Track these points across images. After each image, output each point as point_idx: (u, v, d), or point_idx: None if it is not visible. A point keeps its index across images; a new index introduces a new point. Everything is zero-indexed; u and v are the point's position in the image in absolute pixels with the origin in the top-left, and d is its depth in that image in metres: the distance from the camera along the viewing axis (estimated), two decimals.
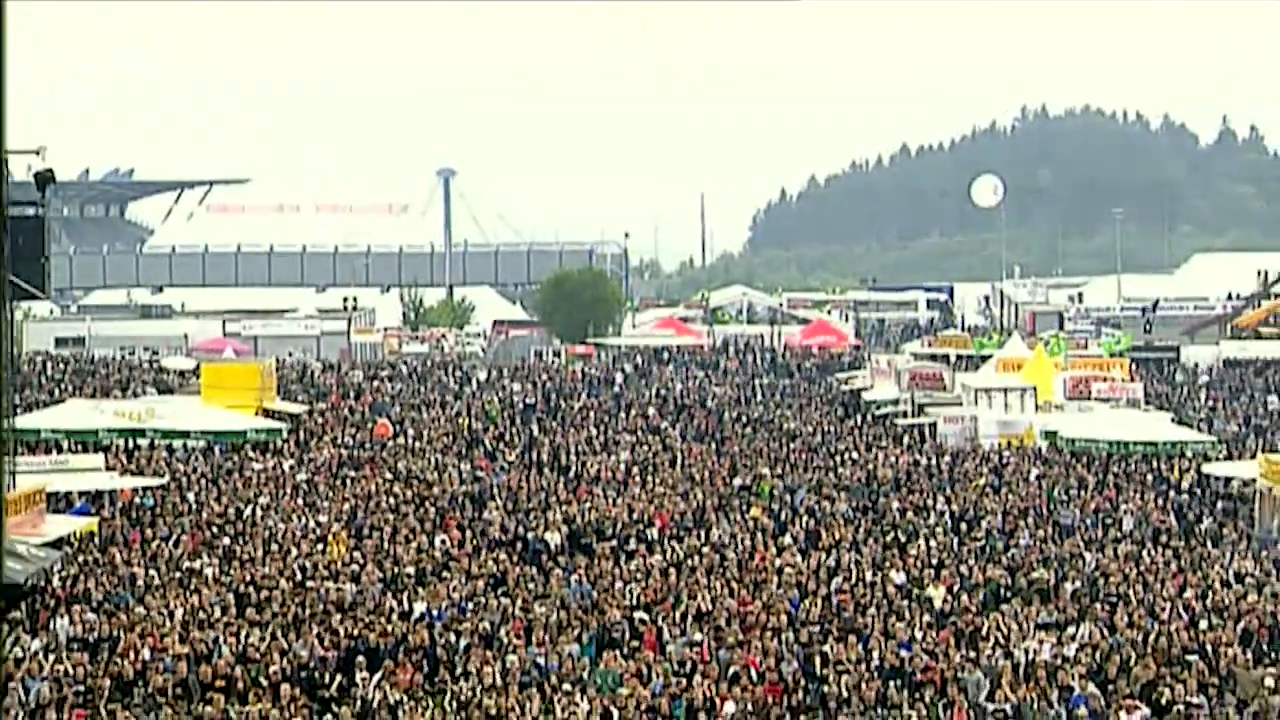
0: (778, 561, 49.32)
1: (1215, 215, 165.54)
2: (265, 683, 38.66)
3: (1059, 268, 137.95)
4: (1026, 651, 40.54)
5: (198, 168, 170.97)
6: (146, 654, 40.47)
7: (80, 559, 50.27)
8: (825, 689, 38.28)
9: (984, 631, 42.28)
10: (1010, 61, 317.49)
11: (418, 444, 71.99)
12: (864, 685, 38.32)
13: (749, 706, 37.10)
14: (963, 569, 48.38)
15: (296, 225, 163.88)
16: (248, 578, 47.79)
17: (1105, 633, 41.90)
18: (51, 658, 40.69)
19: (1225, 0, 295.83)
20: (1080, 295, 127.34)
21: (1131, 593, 45.65)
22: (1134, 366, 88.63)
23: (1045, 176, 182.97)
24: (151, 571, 48.78)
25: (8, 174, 60.25)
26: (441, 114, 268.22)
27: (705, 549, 50.92)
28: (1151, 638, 41.34)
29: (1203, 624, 42.45)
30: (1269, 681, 38.39)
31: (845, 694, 37.83)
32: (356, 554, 50.82)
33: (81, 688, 38.43)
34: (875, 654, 40.40)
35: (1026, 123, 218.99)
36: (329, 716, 36.51)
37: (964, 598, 45.82)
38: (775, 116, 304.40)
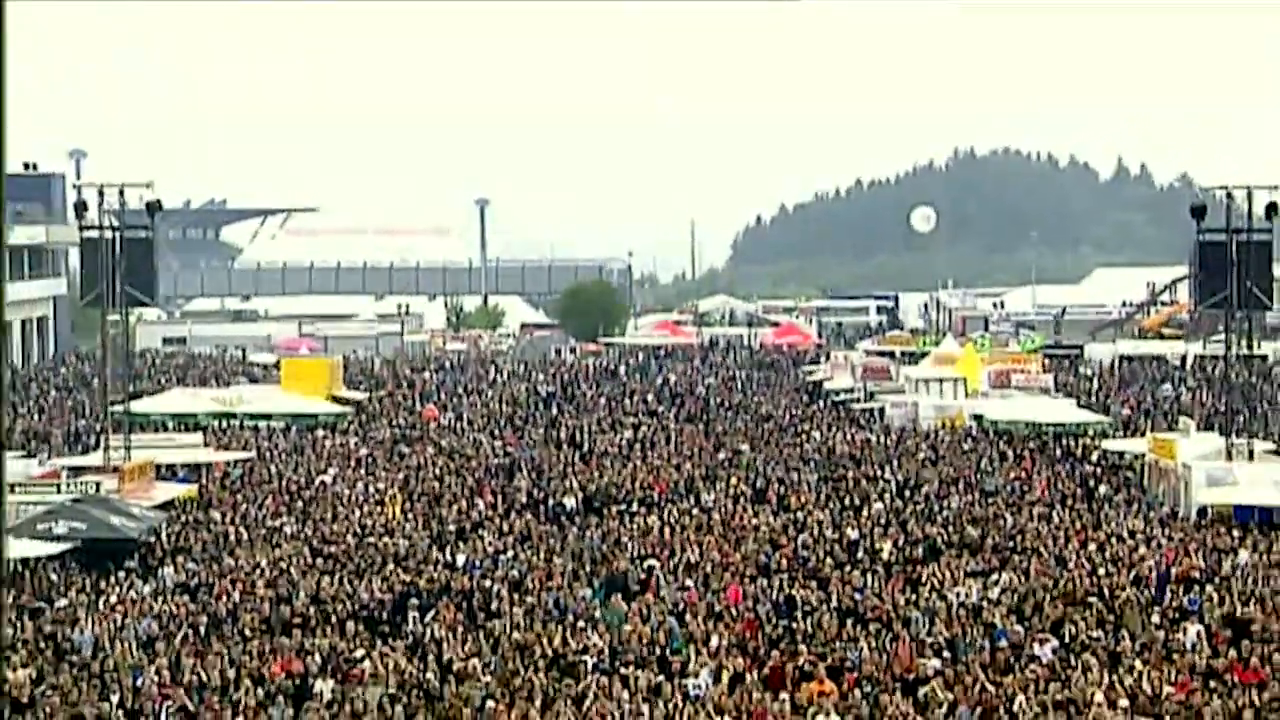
0: (754, 521, 49.41)
1: (1112, 237, 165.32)
2: (334, 620, 38.74)
3: (984, 280, 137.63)
4: (958, 595, 40.58)
5: (277, 197, 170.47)
6: (236, 597, 40.58)
7: (183, 519, 50.37)
8: (793, 625, 38.28)
9: (923, 578, 42.32)
10: (944, 109, 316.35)
11: (458, 424, 72.01)
12: (825, 622, 38.34)
13: (731, 639, 37.09)
14: (906, 527, 48.41)
15: (358, 245, 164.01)
16: (319, 534, 47.97)
17: (1022, 579, 41.90)
18: (159, 600, 40.76)
19: (1120, 61, 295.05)
20: (1002, 303, 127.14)
21: (1043, 546, 45.65)
22: (1045, 361, 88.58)
23: (973, 205, 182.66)
24: (241, 529, 48.91)
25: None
26: (477, 150, 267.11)
27: (695, 511, 51.13)
28: (1059, 583, 41.36)
29: (1101, 572, 42.45)
30: (1154, 618, 38.48)
31: (810, 630, 37.83)
32: (408, 514, 50.98)
33: (183, 627, 38.51)
34: (834, 596, 40.44)
35: (958, 161, 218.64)
36: (386, 648, 36.42)
37: (907, 550, 45.90)
38: (753, 154, 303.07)
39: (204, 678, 34.40)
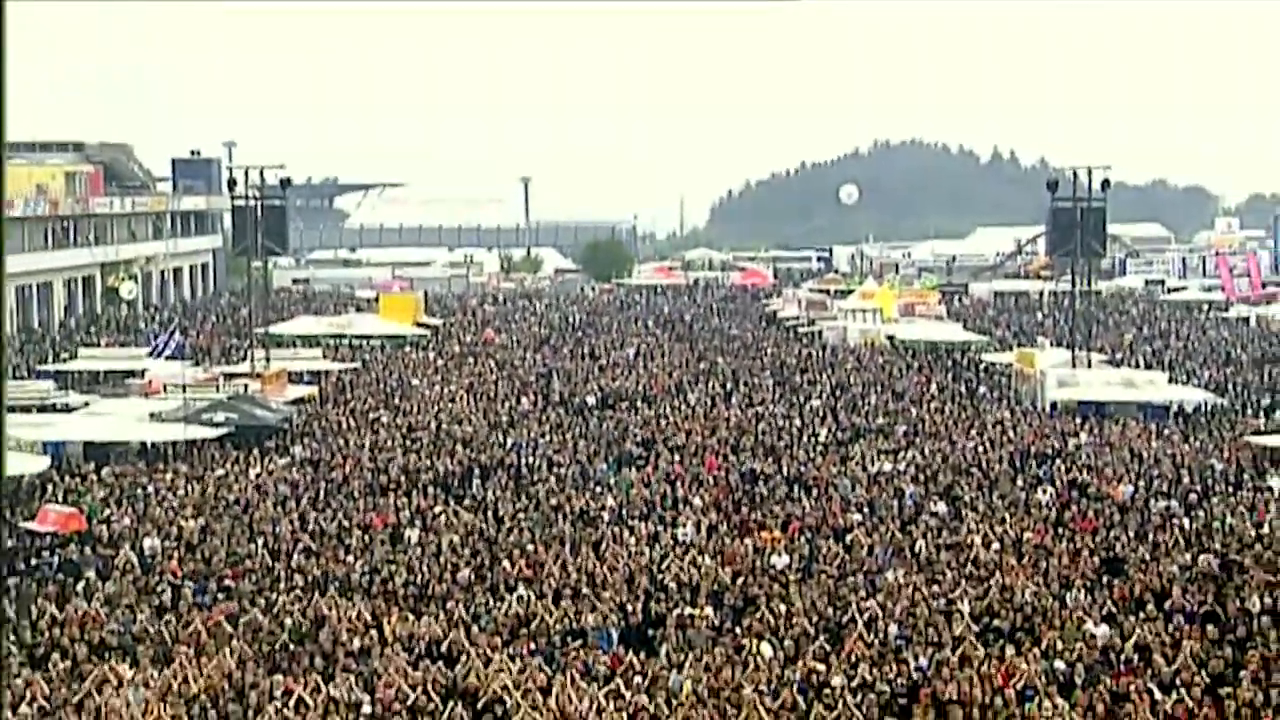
0: (725, 413, 49.53)
1: (989, 205, 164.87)
2: (419, 485, 38.87)
3: (896, 237, 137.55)
4: (875, 467, 40.72)
5: (375, 175, 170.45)
6: (347, 469, 40.69)
7: (307, 411, 50.48)
8: (755, 488, 38.44)
9: (850, 454, 42.45)
10: (865, 110, 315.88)
11: (508, 343, 72.04)
12: (777, 487, 38.53)
13: (708, 498, 37.26)
14: (837, 417, 48.51)
15: (435, 211, 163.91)
16: (407, 423, 48.02)
17: (922, 455, 42.05)
18: (291, 470, 40.92)
19: (995, 68, 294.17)
20: (909, 254, 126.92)
21: (938, 431, 45.82)
22: (940, 296, 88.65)
23: (887, 182, 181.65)
24: (349, 419, 49.00)
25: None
26: (522, 139, 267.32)
27: (682, 407, 51.18)
28: (950, 458, 41.50)
29: (980, 449, 42.61)
30: (1018, 483, 38.61)
31: (766, 493, 37.97)
32: (472, 409, 51.09)
33: (308, 490, 38.70)
34: (785, 467, 40.56)
35: (875, 149, 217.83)
36: (456, 506, 36.58)
37: (838, 435, 46.02)
38: (725, 144, 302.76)
39: (323, 527, 34.61)
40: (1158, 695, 24.04)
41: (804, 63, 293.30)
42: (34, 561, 32.00)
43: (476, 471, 40.39)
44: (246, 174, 61.20)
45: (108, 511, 35.70)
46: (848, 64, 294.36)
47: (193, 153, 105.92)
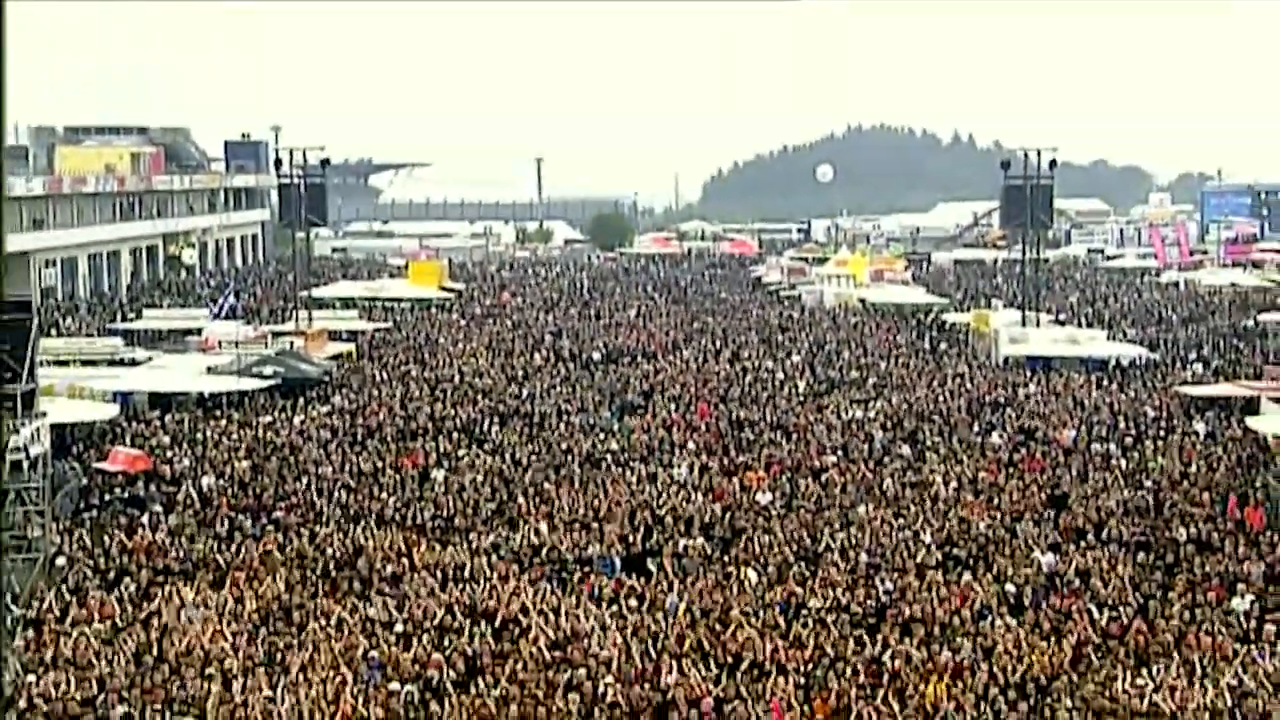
0: (715, 367, 49.47)
1: (949, 182, 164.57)
2: (444, 431, 38.86)
3: (866, 211, 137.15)
4: (848, 414, 40.71)
5: (405, 155, 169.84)
6: (380, 416, 40.64)
7: (344, 365, 50.44)
8: (741, 434, 38.43)
9: (826, 404, 42.44)
10: (839, 97, 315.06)
11: (523, 305, 71.96)
12: (762, 432, 38.52)
13: (701, 442, 37.25)
14: (814, 371, 48.48)
15: (458, 188, 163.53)
16: (434, 375, 48.00)
17: (889, 404, 42.04)
18: (331, 417, 40.89)
19: (956, 58, 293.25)
20: (878, 226, 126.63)
21: (903, 383, 45.79)
22: (906, 263, 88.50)
23: (859, 162, 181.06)
24: (382, 372, 48.97)
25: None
26: (535, 123, 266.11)
27: (677, 361, 51.10)
28: (914, 406, 41.49)
29: (940, 399, 42.57)
30: (974, 428, 38.62)
31: (751, 437, 37.96)
32: (491, 363, 51.03)
33: (346, 435, 38.71)
34: (768, 414, 40.56)
35: (849, 132, 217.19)
36: (477, 450, 36.63)
37: (815, 386, 45.99)
38: (718, 124, 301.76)
39: (360, 467, 34.63)
40: (1096, 614, 24.17)
41: (786, 57, 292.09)
42: (106, 497, 32.06)
43: (495, 418, 40.36)
44: (291, 155, 61.79)
45: (170, 453, 35.75)
46: (825, 58, 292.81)
47: (243, 136, 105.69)
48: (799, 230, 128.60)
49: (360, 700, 20.02)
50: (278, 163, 62.83)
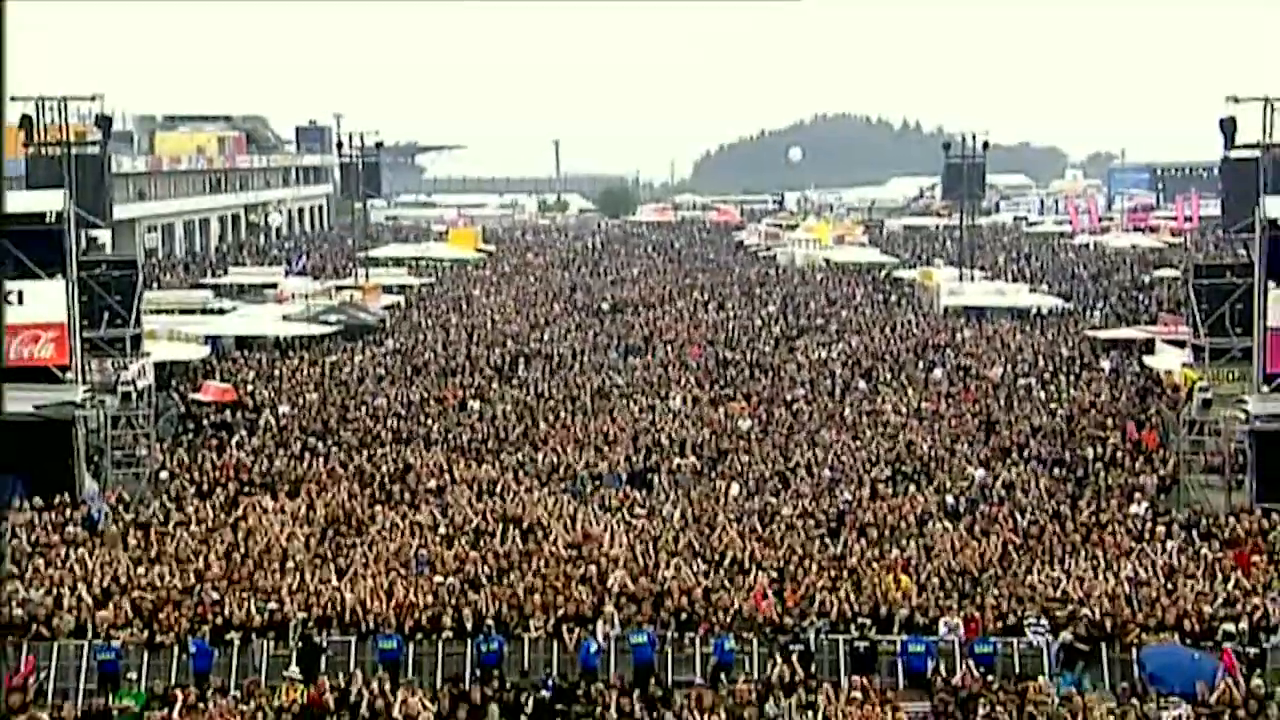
0: (704, 316, 49.24)
1: (899, 161, 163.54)
2: (478, 369, 38.84)
3: (830, 185, 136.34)
4: (814, 354, 40.63)
5: (444, 138, 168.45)
6: (427, 356, 40.62)
7: (395, 314, 50.32)
8: (726, 371, 38.39)
9: (796, 346, 42.32)
10: (808, 88, 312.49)
11: (544, 264, 71.70)
12: (743, 370, 38.49)
13: (692, 378, 37.24)
14: (786, 318, 48.31)
15: (490, 166, 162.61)
16: (469, 322, 47.88)
17: (849, 346, 41.93)
18: (385, 357, 40.85)
19: (907, 55, 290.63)
20: (840, 198, 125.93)
21: (861, 328, 45.67)
22: (864, 229, 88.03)
23: (825, 144, 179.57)
24: (426, 320, 48.86)
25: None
26: (555, 108, 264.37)
27: (672, 311, 50.80)
28: (869, 347, 41.40)
29: (891, 341, 42.48)
30: (919, 365, 38.56)
31: (734, 374, 37.93)
32: (517, 312, 50.91)
33: (397, 371, 38.70)
34: (748, 355, 40.48)
35: (816, 120, 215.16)
36: (506, 385, 36.64)
37: (786, 330, 45.81)
38: (707, 113, 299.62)
39: (410, 399, 34.65)
40: (1018, 519, 24.29)
41: (764, 54, 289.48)
42: (200, 423, 32.12)
43: (520, 358, 40.31)
44: (350, 138, 61.98)
45: (252, 386, 35.77)
46: (796, 55, 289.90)
47: (310, 122, 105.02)
48: (774, 201, 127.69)
49: (411, 590, 20.14)
50: (339, 145, 62.98)
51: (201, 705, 16.63)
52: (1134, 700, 16.89)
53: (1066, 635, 18.81)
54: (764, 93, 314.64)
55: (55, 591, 20.10)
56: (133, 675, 18.20)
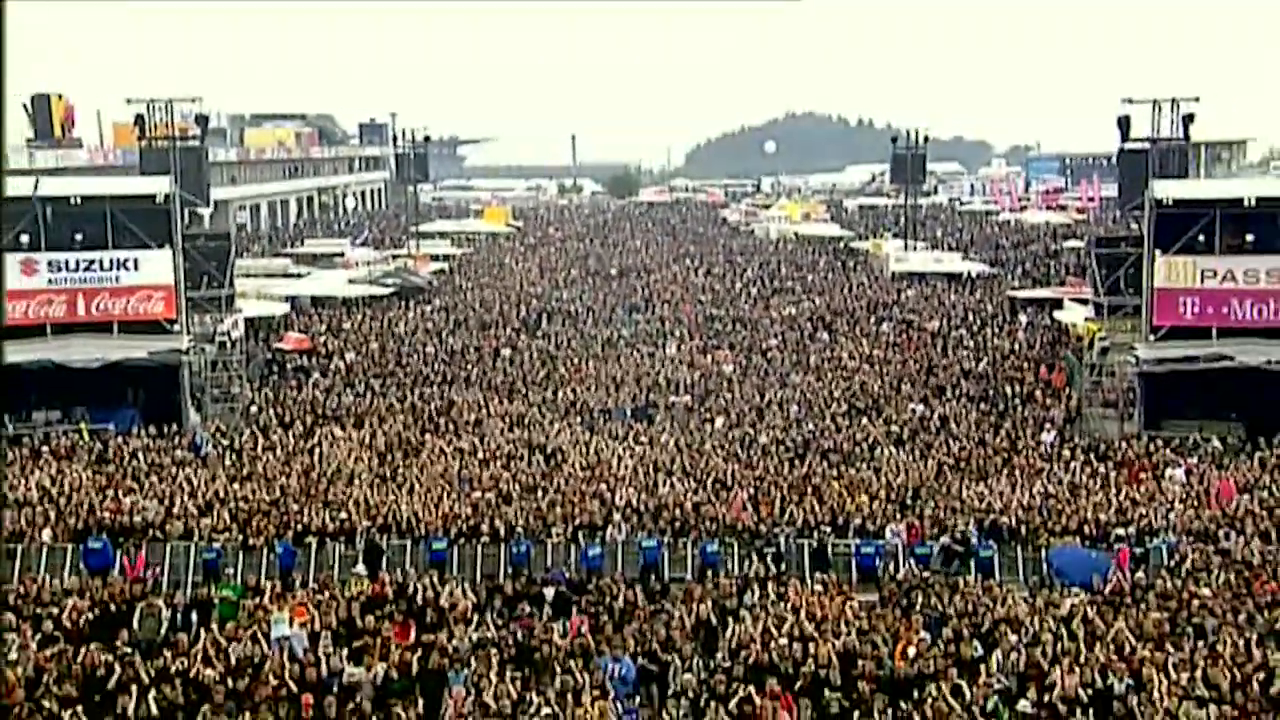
0: (695, 279, 48.87)
1: (856, 152, 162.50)
2: (510, 324, 38.69)
3: (798, 172, 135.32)
4: (783, 310, 40.45)
5: (478, 131, 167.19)
6: (467, 313, 40.36)
7: (440, 278, 50.04)
8: (713, 325, 38.26)
9: (770, 304, 41.99)
10: (780, 89, 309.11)
11: (563, 236, 71.30)
12: (726, 323, 38.34)
13: (684, 331, 37.15)
14: (762, 282, 48.01)
15: (518, 156, 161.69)
16: (501, 285, 47.56)
17: (812, 304, 41.72)
18: (433, 313, 40.62)
19: (863, 62, 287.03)
20: (807, 182, 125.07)
21: (823, 289, 45.40)
22: (825, 208, 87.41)
23: (795, 138, 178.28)
24: (467, 282, 48.60)
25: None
26: (572, 105, 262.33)
27: (669, 275, 50.32)
28: (830, 305, 41.20)
29: (848, 300, 42.23)
30: (870, 320, 38.34)
31: (719, 328, 37.76)
32: (541, 276, 50.64)
33: (443, 324, 38.53)
34: (730, 311, 40.25)
35: (786, 117, 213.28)
36: (531, 338, 36.55)
37: (761, 291, 45.47)
38: (696, 110, 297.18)
39: (452, 347, 34.60)
40: (951, 445, 24.31)
41: (744, 60, 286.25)
42: (285, 366, 32.11)
43: (544, 314, 40.12)
44: (403, 133, 61.81)
45: (324, 337, 35.72)
46: (771, 62, 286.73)
47: (370, 120, 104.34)
48: (752, 185, 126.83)
49: (454, 503, 20.21)
50: (395, 139, 62.56)
51: (286, 595, 16.73)
52: (1043, 590, 16.97)
53: (945, 539, 18.71)
54: (744, 94, 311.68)
55: (167, 503, 20.20)
56: (230, 571, 18.30)
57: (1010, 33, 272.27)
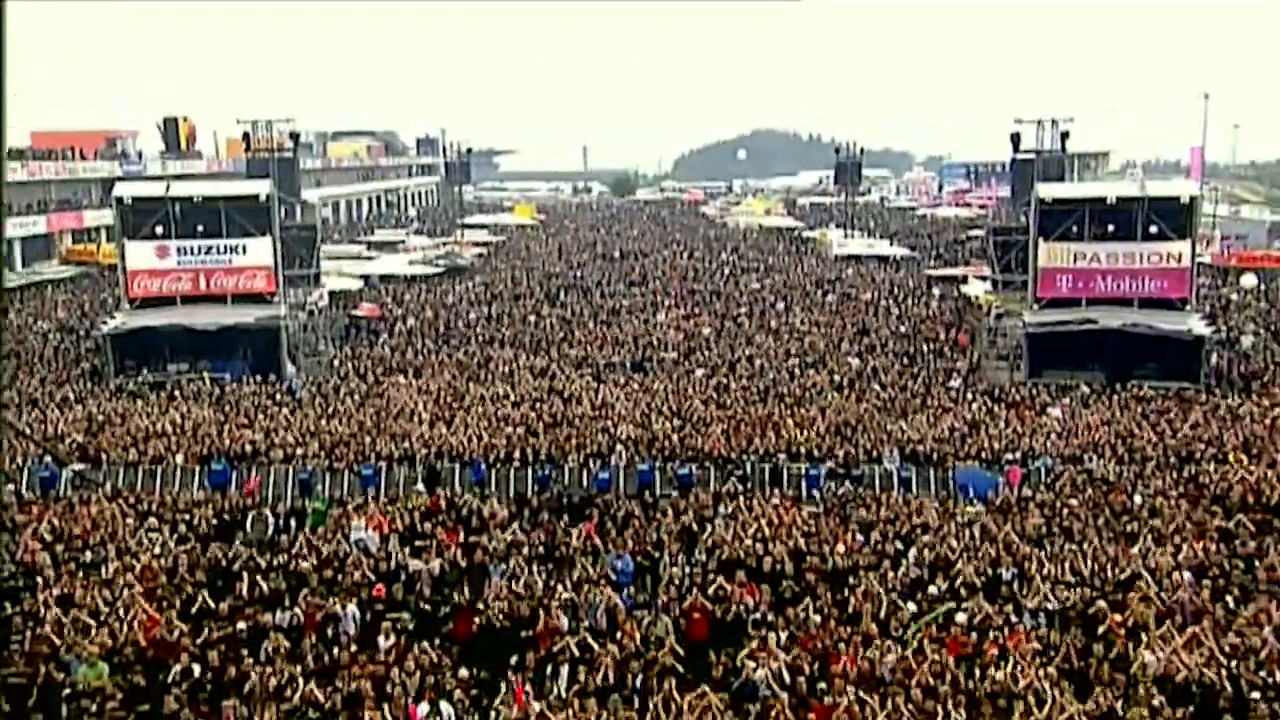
0: (681, 261, 48.33)
1: (807, 160, 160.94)
2: (533, 296, 38.44)
3: (764, 177, 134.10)
4: (755, 286, 40.21)
5: (507, 143, 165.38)
6: (501, 287, 39.94)
7: (480, 260, 49.64)
8: (694, 297, 37.90)
9: (740, 281, 41.47)
10: (749, 107, 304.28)
11: (577, 227, 70.82)
12: (704, 295, 38.09)
13: (672, 302, 37.00)
14: (735, 264, 47.69)
15: (540, 162, 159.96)
16: (527, 265, 47.08)
17: (773, 280, 41.37)
18: (474, 287, 40.31)
19: (816, 83, 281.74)
20: (769, 184, 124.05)
21: (781, 268, 45.05)
22: (784, 207, 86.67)
23: (761, 149, 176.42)
24: (502, 263, 48.24)
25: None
26: (583, 120, 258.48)
27: (660, 257, 49.82)
28: (787, 281, 40.90)
29: (800, 277, 41.93)
30: (819, 293, 38.06)
31: (700, 299, 37.50)
32: (559, 257, 50.29)
33: (483, 296, 38.32)
34: (707, 286, 39.88)
35: (755, 132, 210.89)
36: (552, 308, 36.41)
37: (734, 270, 44.96)
38: (681, 125, 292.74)
39: (490, 314, 34.48)
40: (880, 390, 24.33)
41: (719, 85, 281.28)
42: (360, 329, 32.06)
43: (562, 288, 39.86)
44: (451, 146, 61.53)
45: (390, 306, 35.57)
46: (743, 80, 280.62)
47: (425, 135, 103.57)
48: (726, 187, 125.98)
49: (493, 434, 20.30)
50: (444, 150, 62.05)
51: (363, 507, 16.90)
52: (949, 501, 17.15)
53: (824, 466, 18.46)
54: (721, 113, 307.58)
55: (270, 435, 20.30)
56: (319, 488, 18.47)
57: (929, 64, 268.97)
